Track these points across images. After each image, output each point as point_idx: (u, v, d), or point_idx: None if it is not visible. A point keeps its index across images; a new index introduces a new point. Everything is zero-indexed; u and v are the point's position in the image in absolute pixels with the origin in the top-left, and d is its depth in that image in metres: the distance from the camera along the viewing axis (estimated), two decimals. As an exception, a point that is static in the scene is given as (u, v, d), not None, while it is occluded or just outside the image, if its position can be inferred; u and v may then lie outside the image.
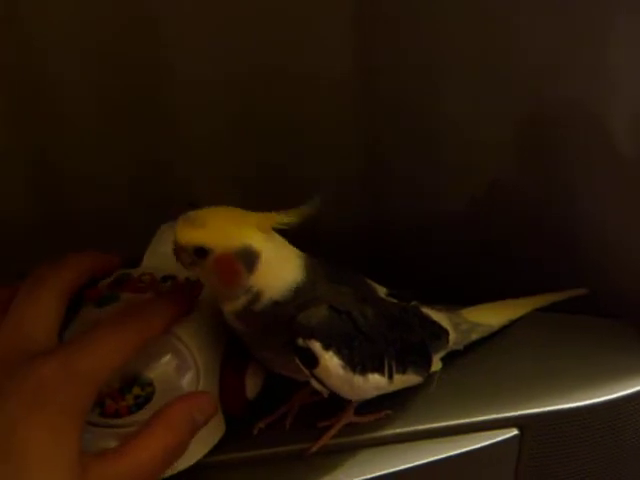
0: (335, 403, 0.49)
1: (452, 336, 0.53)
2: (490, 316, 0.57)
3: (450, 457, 0.49)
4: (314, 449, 0.48)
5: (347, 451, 0.49)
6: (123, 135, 0.67)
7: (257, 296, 0.43)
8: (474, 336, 0.55)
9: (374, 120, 0.69)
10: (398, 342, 0.48)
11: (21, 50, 0.62)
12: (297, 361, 0.44)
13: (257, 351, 0.47)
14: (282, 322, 0.43)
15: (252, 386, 0.49)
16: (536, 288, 0.60)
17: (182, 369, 0.46)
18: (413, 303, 0.53)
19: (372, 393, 0.48)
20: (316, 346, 0.43)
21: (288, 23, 0.62)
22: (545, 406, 0.51)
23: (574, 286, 0.60)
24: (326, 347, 0.44)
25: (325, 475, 0.47)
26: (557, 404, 0.51)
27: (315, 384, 0.45)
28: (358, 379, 0.45)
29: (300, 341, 0.43)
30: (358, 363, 0.45)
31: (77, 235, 0.67)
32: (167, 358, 0.46)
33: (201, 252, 0.42)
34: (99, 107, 0.65)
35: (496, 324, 0.57)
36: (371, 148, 0.71)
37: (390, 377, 0.47)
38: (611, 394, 0.52)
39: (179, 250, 0.43)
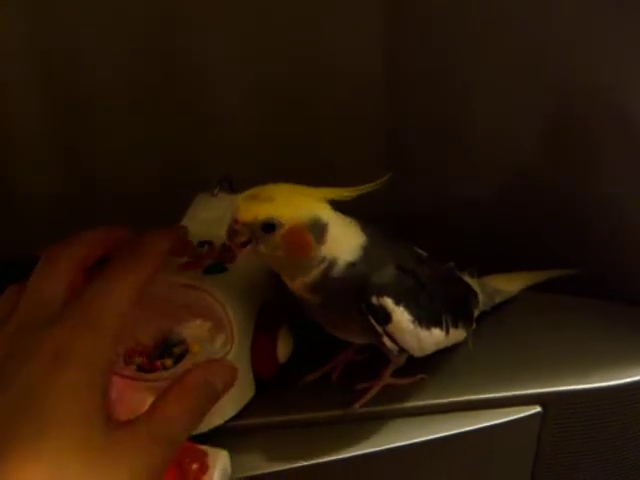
0: (369, 370, 0.51)
1: (480, 297, 0.55)
2: (507, 283, 0.59)
3: (473, 431, 0.49)
4: (357, 406, 0.49)
5: (374, 420, 0.50)
6: (155, 130, 0.68)
7: (332, 263, 0.44)
8: (497, 299, 0.58)
9: (398, 108, 0.71)
10: (449, 298, 0.50)
11: (56, 43, 0.64)
12: (371, 320, 0.45)
13: (324, 319, 0.48)
14: (354, 284, 0.45)
15: (283, 350, 0.50)
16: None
17: (216, 330, 0.47)
18: (450, 264, 0.55)
19: (432, 348, 0.50)
20: (388, 302, 0.45)
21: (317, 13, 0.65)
22: (568, 385, 0.52)
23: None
24: (397, 303, 0.45)
25: (351, 442, 0.48)
26: (580, 384, 0.52)
27: (387, 341, 0.47)
28: (424, 333, 0.47)
29: (374, 299, 0.45)
30: (423, 318, 0.47)
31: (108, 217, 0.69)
32: (202, 318, 0.47)
33: (269, 227, 0.42)
34: (130, 98, 0.67)
35: (513, 290, 0.59)
36: (393, 136, 0.72)
37: (447, 332, 0.50)
38: (633, 376, 0.52)
39: (241, 227, 0.42)
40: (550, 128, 0.64)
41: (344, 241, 0.44)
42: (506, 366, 0.53)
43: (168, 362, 0.46)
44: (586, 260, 0.63)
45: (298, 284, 0.45)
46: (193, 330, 0.47)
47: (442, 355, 0.53)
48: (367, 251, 0.45)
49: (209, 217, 0.53)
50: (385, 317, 0.45)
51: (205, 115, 0.69)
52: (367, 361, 0.53)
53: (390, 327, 0.46)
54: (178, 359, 0.47)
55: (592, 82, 0.60)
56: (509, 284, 0.59)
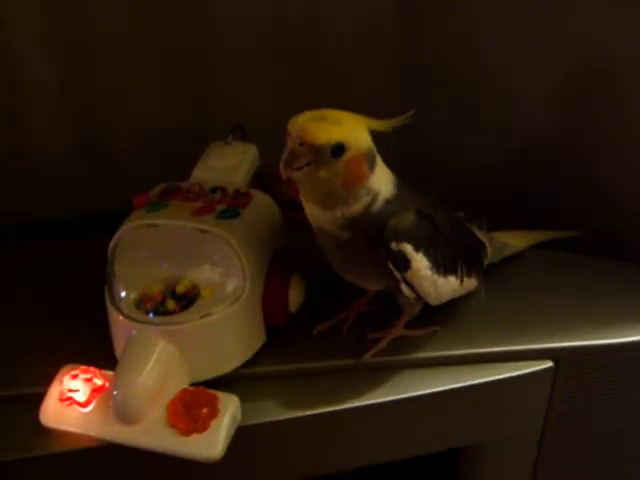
0: (381, 321, 0.51)
1: (489, 249, 0.55)
2: (514, 239, 0.58)
3: (485, 383, 0.49)
4: (368, 356, 0.49)
5: (385, 370, 0.49)
6: (169, 82, 0.68)
7: (375, 197, 0.43)
8: (505, 253, 0.57)
9: (411, 70, 0.70)
10: (462, 246, 0.50)
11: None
12: (390, 266, 0.45)
13: (342, 261, 0.47)
14: (383, 224, 0.44)
15: (295, 298, 0.50)
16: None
17: (228, 274, 0.47)
18: (460, 214, 0.54)
19: (448, 296, 0.50)
20: (408, 248, 0.44)
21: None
22: (580, 340, 0.51)
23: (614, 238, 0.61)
24: (417, 249, 0.45)
25: (361, 392, 0.48)
26: (591, 339, 0.51)
27: (405, 289, 0.46)
28: (441, 280, 0.47)
29: (393, 244, 0.44)
30: (441, 265, 0.47)
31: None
32: (214, 262, 0.47)
33: (339, 150, 0.41)
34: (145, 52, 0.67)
35: (520, 245, 0.59)
36: (406, 99, 0.71)
37: (462, 280, 0.49)
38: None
39: (306, 149, 0.40)
40: (567, 89, 0.64)
41: (384, 177, 0.44)
42: (519, 321, 0.53)
43: (179, 306, 0.46)
44: (601, 220, 0.62)
45: (336, 215, 0.43)
46: (204, 275, 0.47)
47: (455, 308, 0.53)
48: (399, 187, 0.44)
49: (222, 165, 0.52)
50: (404, 263, 0.45)
51: (217, 64, 0.68)
52: (380, 312, 0.52)
53: (409, 274, 0.45)
54: (189, 303, 0.46)
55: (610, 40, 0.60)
56: (516, 240, 0.58)
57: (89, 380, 0.45)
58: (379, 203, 0.43)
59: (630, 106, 0.60)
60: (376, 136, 0.64)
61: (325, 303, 0.52)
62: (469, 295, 0.53)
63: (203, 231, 0.46)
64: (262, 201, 0.50)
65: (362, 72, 0.69)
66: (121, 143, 0.69)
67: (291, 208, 0.60)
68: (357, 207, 0.43)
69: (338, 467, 0.50)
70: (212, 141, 0.56)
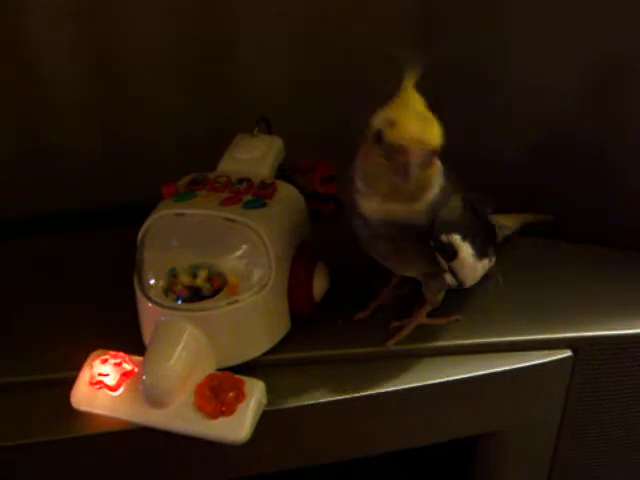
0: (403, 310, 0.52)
1: (498, 231, 0.56)
2: (506, 220, 0.59)
3: (505, 372, 0.50)
4: (391, 344, 0.50)
5: (406, 358, 0.50)
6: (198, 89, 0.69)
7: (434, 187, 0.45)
8: (505, 232, 0.58)
9: (431, 66, 0.71)
10: (487, 228, 0.52)
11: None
12: (438, 257, 0.46)
13: (389, 249, 0.48)
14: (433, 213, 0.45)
15: (319, 288, 0.51)
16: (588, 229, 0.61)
17: (254, 263, 0.48)
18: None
19: (479, 278, 0.51)
20: (457, 240, 0.46)
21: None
22: (598, 330, 0.52)
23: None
24: (463, 239, 0.47)
25: (383, 379, 0.49)
26: (610, 329, 0.52)
27: (448, 277, 0.48)
28: (478, 265, 0.49)
29: (443, 237, 0.45)
30: (479, 249, 0.48)
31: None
32: (241, 251, 0.48)
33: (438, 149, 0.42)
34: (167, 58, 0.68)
35: (513, 226, 0.59)
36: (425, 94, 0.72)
37: (489, 261, 0.51)
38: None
39: (426, 152, 0.41)
40: (586, 81, 0.64)
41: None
42: (538, 311, 0.54)
43: (209, 292, 0.47)
44: (618, 215, 0.63)
45: (420, 206, 0.44)
46: (231, 263, 0.48)
47: (473, 296, 0.54)
48: (444, 176, 0.45)
49: (248, 157, 0.53)
50: (452, 254, 0.46)
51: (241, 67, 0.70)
52: (403, 301, 0.53)
53: (455, 263, 0.47)
54: (217, 291, 0.47)
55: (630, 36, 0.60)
56: (508, 221, 0.59)
57: (119, 365, 0.46)
58: (436, 191, 0.44)
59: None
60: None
61: (349, 292, 0.53)
62: (486, 280, 0.53)
63: (230, 220, 0.47)
64: (288, 192, 0.51)
65: (381, 66, 0.70)
66: (144, 139, 0.71)
67: (312, 199, 0.61)
68: (431, 195, 0.44)
69: (359, 453, 0.51)
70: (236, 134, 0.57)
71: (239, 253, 0.48)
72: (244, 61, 0.69)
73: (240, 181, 0.51)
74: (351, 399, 0.48)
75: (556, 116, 0.67)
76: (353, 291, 0.54)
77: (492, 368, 0.50)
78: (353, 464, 0.53)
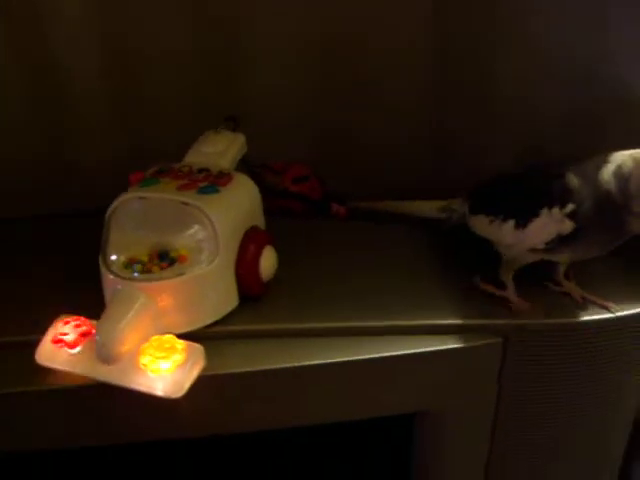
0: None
1: None
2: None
3: (436, 352, 0.54)
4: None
5: (345, 337, 0.55)
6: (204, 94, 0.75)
7: None
8: None
9: (440, 88, 0.76)
10: None
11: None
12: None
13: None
14: None
15: (266, 269, 0.56)
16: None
17: (204, 241, 0.53)
18: None
19: None
20: None
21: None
22: (527, 319, 0.56)
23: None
24: None
25: (318, 353, 0.53)
26: (539, 318, 0.56)
27: None
28: None
29: None
30: None
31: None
32: (192, 230, 0.53)
33: None
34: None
35: None
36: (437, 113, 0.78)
37: None
38: (588, 316, 0.56)
39: None
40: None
41: None
42: (473, 298, 0.58)
43: (162, 266, 0.53)
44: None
45: None
46: (184, 241, 0.53)
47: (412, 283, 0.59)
48: None
49: (211, 150, 0.59)
50: None
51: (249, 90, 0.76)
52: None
53: None
54: (170, 264, 0.53)
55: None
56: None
57: (78, 326, 0.52)
58: None
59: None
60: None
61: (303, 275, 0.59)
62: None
63: (185, 204, 0.53)
64: (242, 182, 0.57)
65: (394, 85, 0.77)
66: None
67: (282, 196, 0.67)
68: None
69: (292, 423, 0.55)
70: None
71: (190, 232, 0.53)
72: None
73: (200, 171, 0.57)
74: (285, 369, 0.52)
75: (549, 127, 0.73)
76: (305, 275, 0.60)
77: (424, 348, 0.54)
78: (297, 440, 0.58)
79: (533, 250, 0.56)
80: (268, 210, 0.67)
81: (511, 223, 0.56)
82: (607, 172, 0.53)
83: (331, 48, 0.74)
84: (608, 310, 0.56)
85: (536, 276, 0.59)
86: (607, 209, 0.52)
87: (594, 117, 0.70)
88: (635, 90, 0.67)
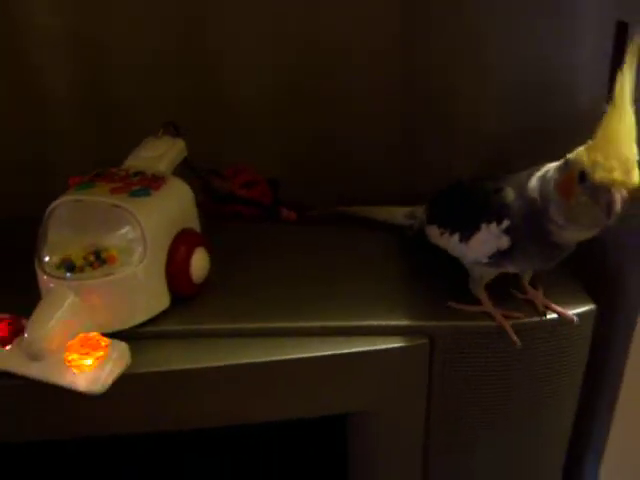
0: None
1: None
2: None
3: (363, 352, 0.55)
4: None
5: (277, 337, 0.56)
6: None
7: None
8: None
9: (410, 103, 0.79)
10: None
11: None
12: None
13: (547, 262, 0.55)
14: None
15: (197, 270, 0.57)
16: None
17: (135, 243, 0.55)
18: None
19: None
20: None
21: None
22: (453, 320, 0.57)
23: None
24: None
25: (246, 353, 0.55)
26: (465, 320, 0.57)
27: None
28: None
29: None
30: None
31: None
32: (122, 232, 0.55)
33: None
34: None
35: None
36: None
37: None
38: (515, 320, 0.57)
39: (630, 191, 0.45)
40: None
41: None
42: (407, 301, 0.59)
43: (94, 266, 0.54)
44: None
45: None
46: (115, 241, 0.55)
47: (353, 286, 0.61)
48: None
49: (150, 155, 0.61)
50: None
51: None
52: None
53: None
54: (101, 265, 0.54)
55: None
56: None
57: (11, 324, 0.54)
58: None
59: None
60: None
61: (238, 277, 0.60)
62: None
63: (116, 206, 0.55)
64: (175, 186, 0.59)
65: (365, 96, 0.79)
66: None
67: (228, 201, 0.68)
68: None
69: (224, 421, 0.57)
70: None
71: (120, 233, 0.55)
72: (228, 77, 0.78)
73: (136, 174, 0.59)
74: (213, 368, 0.54)
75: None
76: (245, 277, 0.61)
77: (351, 349, 0.55)
78: (230, 439, 0.59)
79: (482, 264, 0.56)
80: (218, 215, 0.69)
81: (456, 236, 0.57)
82: (534, 180, 0.52)
83: (302, 62, 0.77)
84: (569, 320, 0.57)
85: (505, 283, 0.59)
86: (533, 219, 0.51)
87: (550, 132, 0.71)
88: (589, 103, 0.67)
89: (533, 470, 0.64)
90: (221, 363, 0.54)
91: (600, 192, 0.45)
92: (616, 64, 0.60)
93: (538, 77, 0.71)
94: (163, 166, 0.60)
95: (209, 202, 0.69)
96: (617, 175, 0.44)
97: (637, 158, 0.45)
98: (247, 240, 0.67)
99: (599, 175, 0.45)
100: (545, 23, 0.70)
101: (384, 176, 0.80)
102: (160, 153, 0.61)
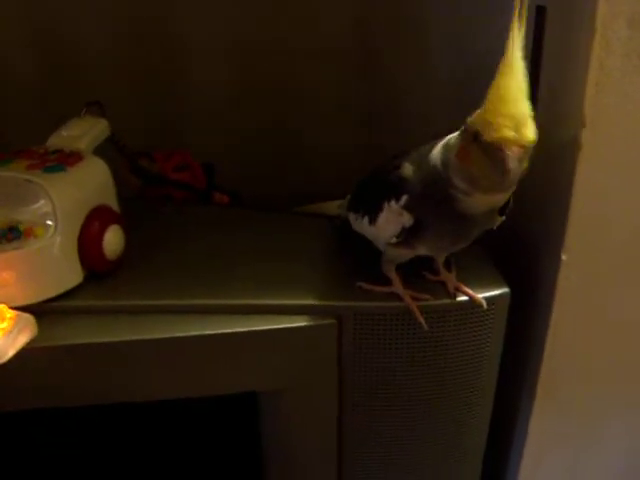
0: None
1: None
2: None
3: (270, 331, 0.56)
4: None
5: (187, 314, 0.57)
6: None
7: None
8: None
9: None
10: None
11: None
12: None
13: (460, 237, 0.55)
14: None
15: (110, 246, 0.58)
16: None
17: (45, 218, 0.55)
18: None
19: None
20: None
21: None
22: (361, 301, 0.57)
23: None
24: None
25: (159, 328, 0.56)
26: (371, 302, 0.57)
27: None
28: None
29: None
30: None
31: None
32: (34, 206, 0.56)
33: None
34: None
35: None
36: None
37: None
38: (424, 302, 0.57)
39: (526, 148, 0.45)
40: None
41: None
42: (313, 281, 0.60)
43: (8, 239, 0.55)
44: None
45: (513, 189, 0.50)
46: (29, 215, 0.56)
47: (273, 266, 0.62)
48: None
49: (71, 133, 0.62)
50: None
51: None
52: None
53: None
54: (14, 238, 0.55)
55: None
56: None
57: None
58: None
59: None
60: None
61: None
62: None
63: (29, 181, 0.56)
64: (92, 163, 0.60)
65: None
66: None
67: (158, 182, 0.69)
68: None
69: (131, 397, 0.57)
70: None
71: (33, 207, 0.56)
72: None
73: (54, 152, 0.60)
74: (120, 343, 0.54)
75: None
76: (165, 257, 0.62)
77: (257, 326, 0.56)
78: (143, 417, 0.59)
79: (394, 245, 0.56)
80: (150, 196, 0.70)
81: (366, 219, 0.58)
82: (437, 150, 0.51)
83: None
84: (478, 304, 0.57)
85: (418, 265, 0.60)
86: (437, 189, 0.50)
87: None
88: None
89: (450, 455, 0.65)
90: (127, 338, 0.55)
91: (493, 151, 0.45)
92: (536, 47, 0.61)
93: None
94: (83, 144, 0.61)
95: (141, 183, 0.69)
96: (507, 132, 0.44)
97: (530, 114, 0.45)
98: (175, 222, 0.68)
99: (489, 134, 0.45)
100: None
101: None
102: (81, 132, 0.62)
